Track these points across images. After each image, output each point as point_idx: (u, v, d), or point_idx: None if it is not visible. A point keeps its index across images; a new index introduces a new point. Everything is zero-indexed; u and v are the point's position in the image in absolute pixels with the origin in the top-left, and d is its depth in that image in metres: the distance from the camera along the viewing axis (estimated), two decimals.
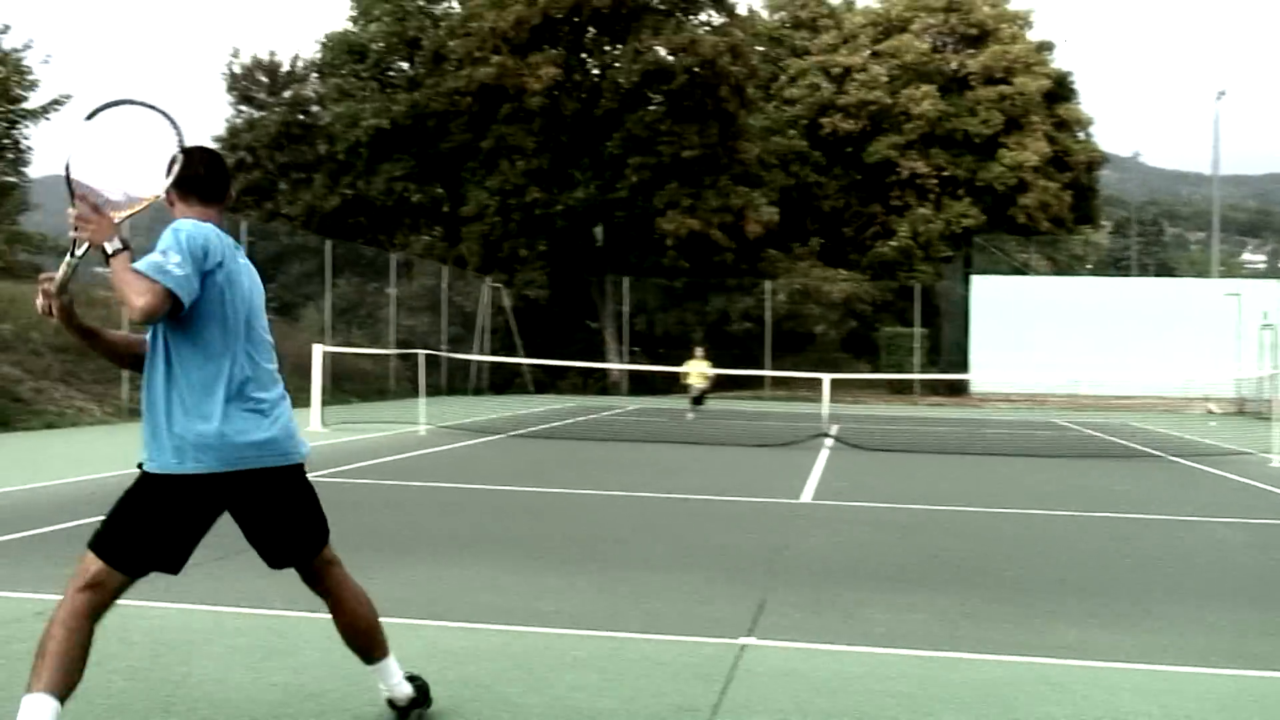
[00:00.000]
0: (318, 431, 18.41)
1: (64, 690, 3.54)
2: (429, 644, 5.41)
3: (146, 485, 3.89)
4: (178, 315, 3.66)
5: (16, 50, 26.93)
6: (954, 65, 49.71)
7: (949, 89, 48.36)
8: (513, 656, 5.24)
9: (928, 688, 4.91)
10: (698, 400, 25.63)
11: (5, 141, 26.88)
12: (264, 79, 43.65)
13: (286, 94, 43.47)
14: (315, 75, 43.87)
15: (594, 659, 5.23)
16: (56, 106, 27.47)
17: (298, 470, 4.24)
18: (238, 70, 43.46)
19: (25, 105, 27.01)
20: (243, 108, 43.54)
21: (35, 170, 30.03)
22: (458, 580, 6.95)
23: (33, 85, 27.02)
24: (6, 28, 26.87)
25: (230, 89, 43.46)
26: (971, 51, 49.42)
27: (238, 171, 41.60)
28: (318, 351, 19.65)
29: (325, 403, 20.25)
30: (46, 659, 3.59)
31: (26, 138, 27.44)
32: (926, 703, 4.69)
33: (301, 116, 43.15)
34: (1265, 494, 12.90)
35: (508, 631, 5.69)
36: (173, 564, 4.05)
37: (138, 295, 3.50)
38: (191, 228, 3.74)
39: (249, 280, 3.96)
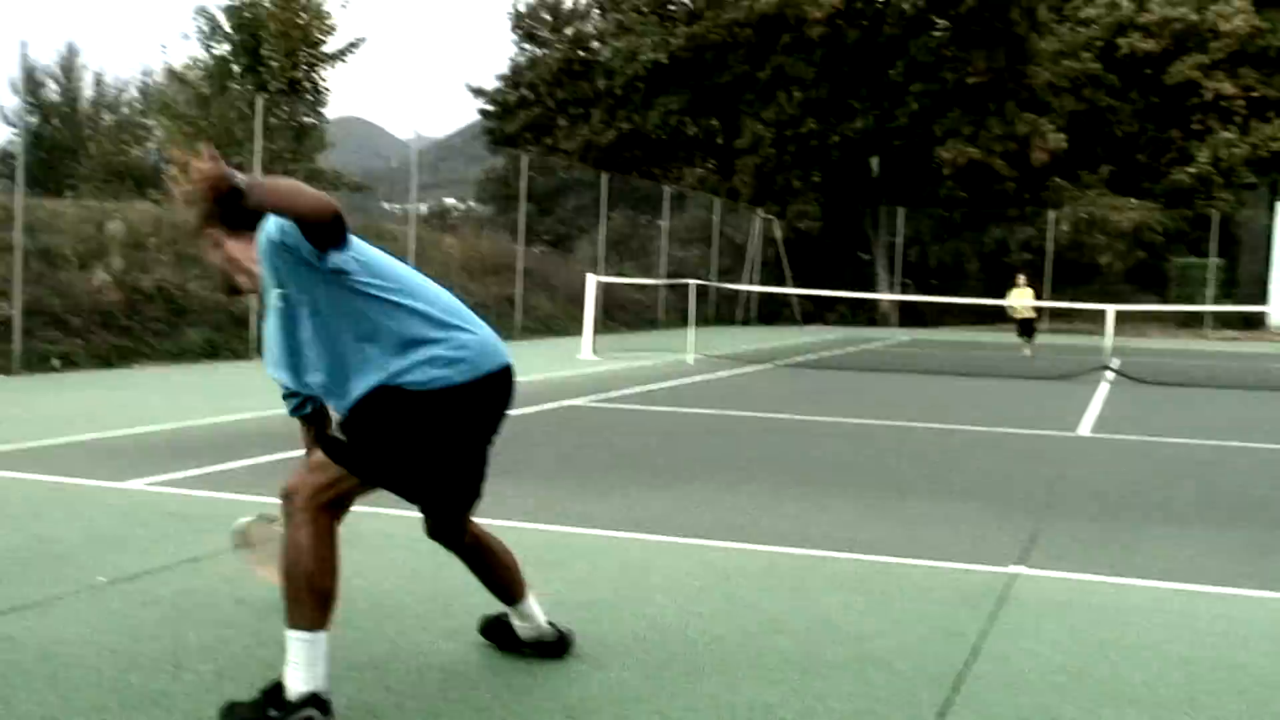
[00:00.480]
0: (589, 359, 18.91)
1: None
2: (698, 562, 5.52)
3: None
4: None
5: None
6: None
7: (1265, 3, 44.75)
8: (780, 575, 5.28)
9: (1211, 623, 4.68)
10: (1027, 332, 24.04)
11: (306, 84, 28.53)
12: (547, 16, 44.69)
13: (568, 31, 44.39)
14: (597, 11, 44.60)
15: (861, 581, 5.21)
16: (352, 50, 28.97)
17: None
18: (522, 9, 44.66)
19: (324, 49, 28.58)
20: (526, 45, 44.77)
21: (330, 111, 31.84)
22: (724, 502, 7.04)
23: (331, 30, 28.54)
24: None
25: (515, 27, 44.75)
26: None
27: (519, 108, 42.90)
28: (591, 281, 20.12)
29: (596, 331, 20.74)
30: (316, 594, 3.44)
31: (324, 80, 29.05)
32: (1208, 638, 4.47)
33: (581, 53, 44.01)
34: None
35: (775, 552, 5.73)
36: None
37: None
38: None
39: None
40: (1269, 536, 6.39)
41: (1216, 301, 36.25)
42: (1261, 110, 43.87)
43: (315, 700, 3.29)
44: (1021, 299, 23.87)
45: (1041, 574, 5.42)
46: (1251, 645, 4.40)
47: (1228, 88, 43.56)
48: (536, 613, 4.08)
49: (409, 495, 3.83)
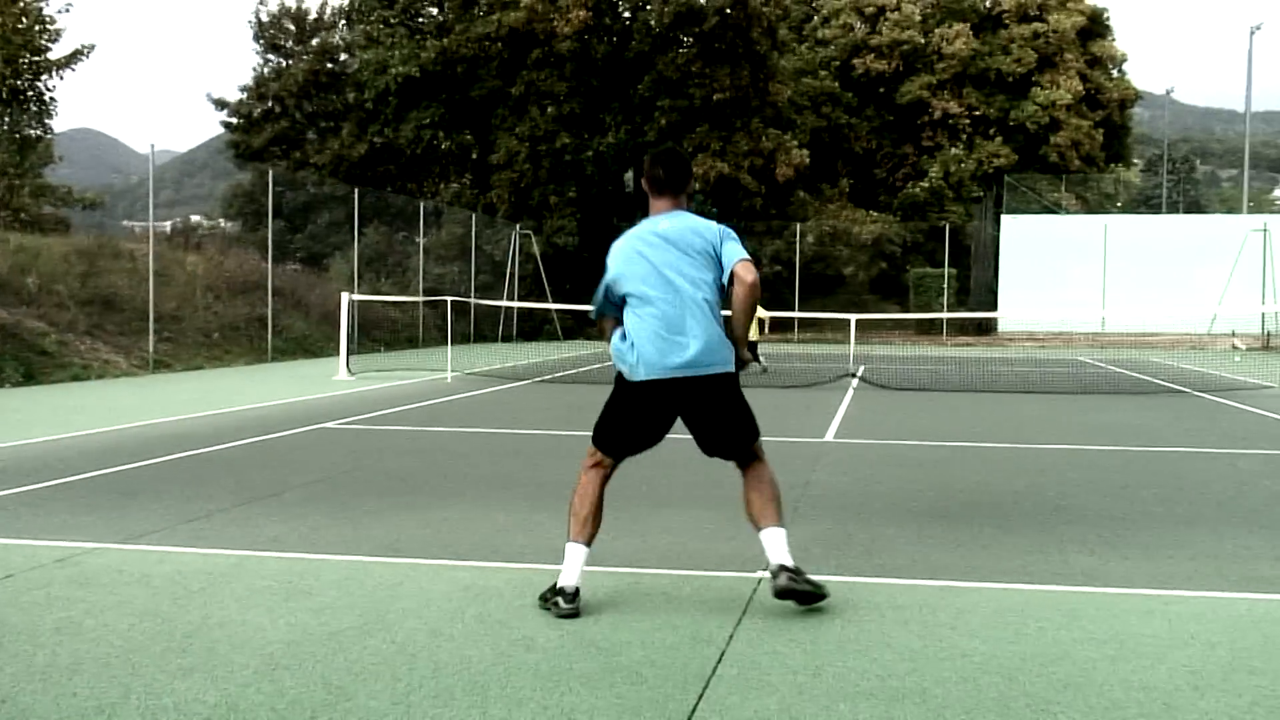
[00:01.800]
0: (344, 379, 18.55)
1: (590, 539, 5.13)
2: (451, 583, 5.50)
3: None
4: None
5: (39, 0, 26.94)
6: (987, 3, 49.06)
7: (982, 27, 47.76)
8: (534, 593, 5.29)
9: (941, 615, 4.96)
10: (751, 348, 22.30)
11: (29, 94, 26.98)
12: (291, 26, 43.59)
13: (314, 41, 43.40)
14: (343, 22, 43.77)
15: (612, 594, 5.30)
16: (81, 57, 27.51)
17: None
18: (265, 18, 43.46)
19: (49, 56, 27.05)
20: (270, 56, 43.55)
21: (60, 123, 30.18)
22: (480, 521, 7.03)
23: (56, 36, 27.05)
24: None
25: (257, 37, 43.46)
26: None
27: (265, 121, 41.73)
28: (345, 300, 19.74)
29: (352, 351, 20.36)
30: (576, 519, 5.18)
31: (51, 90, 27.51)
32: (938, 629, 4.74)
33: (329, 64, 43.11)
34: None
35: (530, 569, 5.76)
36: (640, 449, 5.49)
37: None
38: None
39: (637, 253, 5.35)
40: (993, 530, 6.80)
41: (951, 309, 38.35)
42: (984, 128, 46.76)
43: (564, 591, 4.93)
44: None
45: None
46: (978, 634, 4.68)
47: (954, 106, 46.34)
48: (769, 549, 5.12)
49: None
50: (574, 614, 4.88)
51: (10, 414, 13.18)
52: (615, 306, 5.34)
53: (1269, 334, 34.17)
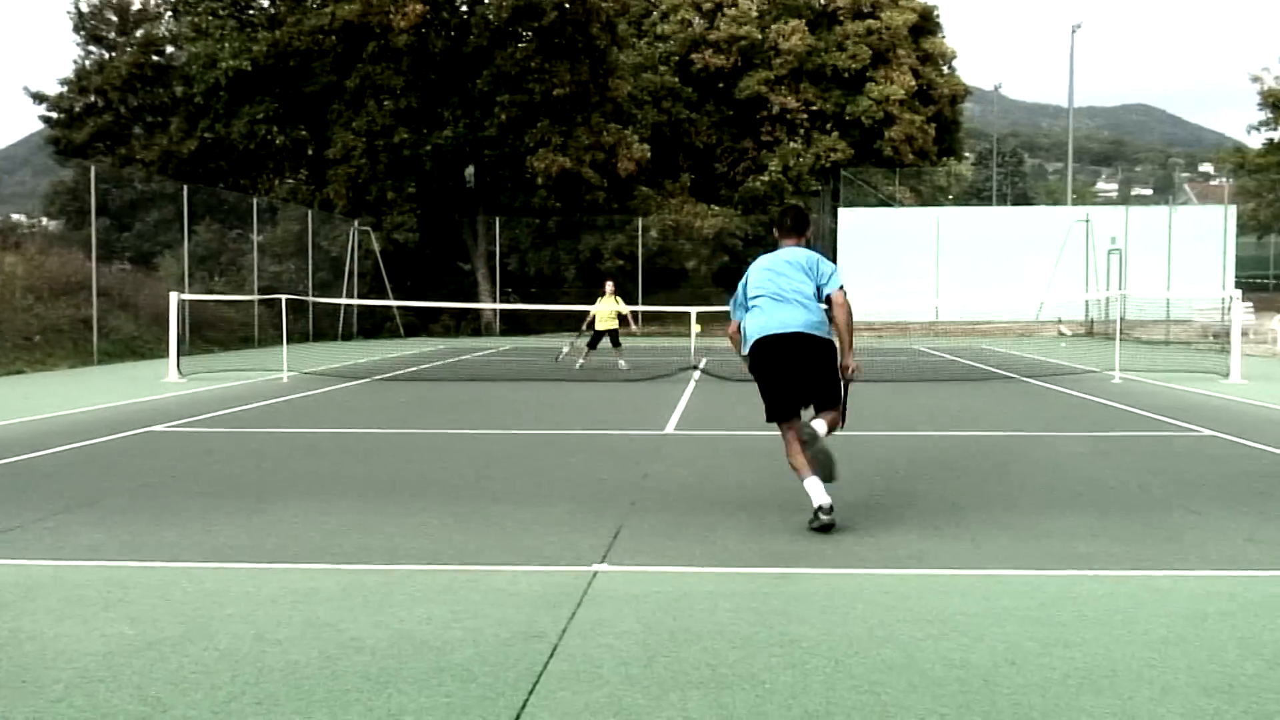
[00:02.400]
0: (174, 381, 17.96)
1: (814, 471, 6.57)
2: (280, 586, 5.36)
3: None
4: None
5: None
6: (822, 0, 49.96)
7: (817, 24, 48.64)
8: (364, 593, 5.20)
9: (773, 602, 5.01)
10: (615, 342, 21.19)
11: None
12: (114, 18, 41.95)
13: (139, 33, 41.84)
14: (169, 14, 42.31)
15: (446, 592, 5.22)
16: None
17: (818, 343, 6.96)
18: (85, 8, 41.70)
19: None
20: (92, 48, 41.84)
21: None
22: (312, 524, 6.85)
23: None
24: None
25: (78, 28, 41.70)
26: None
27: (87, 116, 40.17)
28: (174, 299, 19.10)
29: (185, 352, 19.74)
30: (800, 465, 6.68)
31: None
32: (770, 616, 4.79)
33: (155, 57, 41.59)
34: (1107, 408, 13.44)
35: (361, 570, 5.65)
36: (795, 400, 6.98)
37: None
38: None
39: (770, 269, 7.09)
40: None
41: None
42: (821, 123, 47.67)
43: (822, 508, 6.48)
44: (607, 306, 21.43)
45: (621, 569, 5.63)
46: (808, 619, 4.75)
47: (791, 101, 47.12)
48: (810, 493, 6.60)
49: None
50: (833, 523, 6.47)
51: None
52: (745, 310, 7.14)
53: (1092, 321, 35.62)
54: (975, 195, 64.99)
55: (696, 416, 12.80)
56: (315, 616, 4.83)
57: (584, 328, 21.27)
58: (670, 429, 11.66)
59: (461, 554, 5.98)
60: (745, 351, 7.11)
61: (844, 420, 7.07)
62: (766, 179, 46.51)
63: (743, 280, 7.23)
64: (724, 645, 4.40)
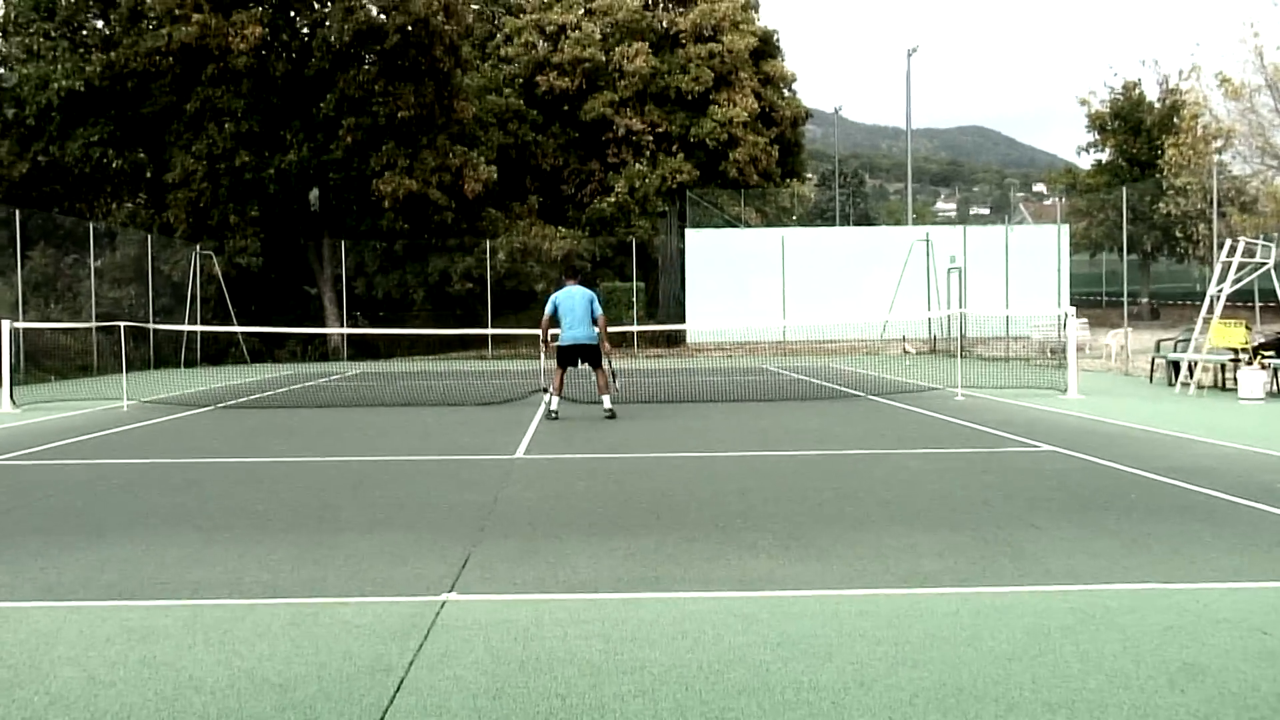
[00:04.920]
0: (7, 412, 17.26)
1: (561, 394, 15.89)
2: (115, 625, 5.21)
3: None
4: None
5: None
6: (665, 23, 50.53)
7: (661, 46, 49.14)
8: (203, 630, 5.08)
9: (623, 628, 5.04)
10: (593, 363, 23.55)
11: None
12: None
13: None
14: None
15: (288, 627, 5.13)
16: None
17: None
18: None
19: None
20: None
21: None
22: (151, 558, 6.65)
23: None
24: None
25: None
26: (681, 10, 50.32)
27: None
28: (6, 327, 18.35)
29: (19, 382, 18.95)
30: (559, 389, 15.81)
31: None
32: (621, 643, 4.82)
33: None
34: (950, 425, 13.83)
35: (200, 605, 5.52)
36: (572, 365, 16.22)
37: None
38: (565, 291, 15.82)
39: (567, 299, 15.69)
40: (676, 540, 6.97)
41: (641, 322, 39.26)
42: (667, 144, 48.17)
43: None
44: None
45: (469, 598, 5.60)
46: (659, 644, 4.80)
47: (636, 124, 47.49)
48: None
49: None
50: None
51: None
52: (555, 320, 15.54)
53: (935, 338, 36.66)
54: (819, 216, 66.44)
55: (547, 441, 12.80)
56: (152, 656, 4.70)
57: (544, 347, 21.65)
58: (520, 453, 11.63)
59: (306, 586, 5.89)
60: (554, 342, 15.69)
61: (614, 381, 15.69)
62: (613, 200, 46.77)
63: (553, 300, 15.66)
64: (574, 673, 4.41)
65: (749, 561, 6.35)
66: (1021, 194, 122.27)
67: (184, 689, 4.28)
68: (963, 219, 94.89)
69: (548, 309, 15.69)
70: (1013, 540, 6.87)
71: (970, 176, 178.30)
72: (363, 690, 4.23)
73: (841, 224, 60.57)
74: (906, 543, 6.82)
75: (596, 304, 15.70)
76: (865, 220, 73.32)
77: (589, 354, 15.75)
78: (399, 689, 4.24)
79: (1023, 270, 36.99)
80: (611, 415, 15.19)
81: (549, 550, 6.70)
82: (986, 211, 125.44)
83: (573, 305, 15.47)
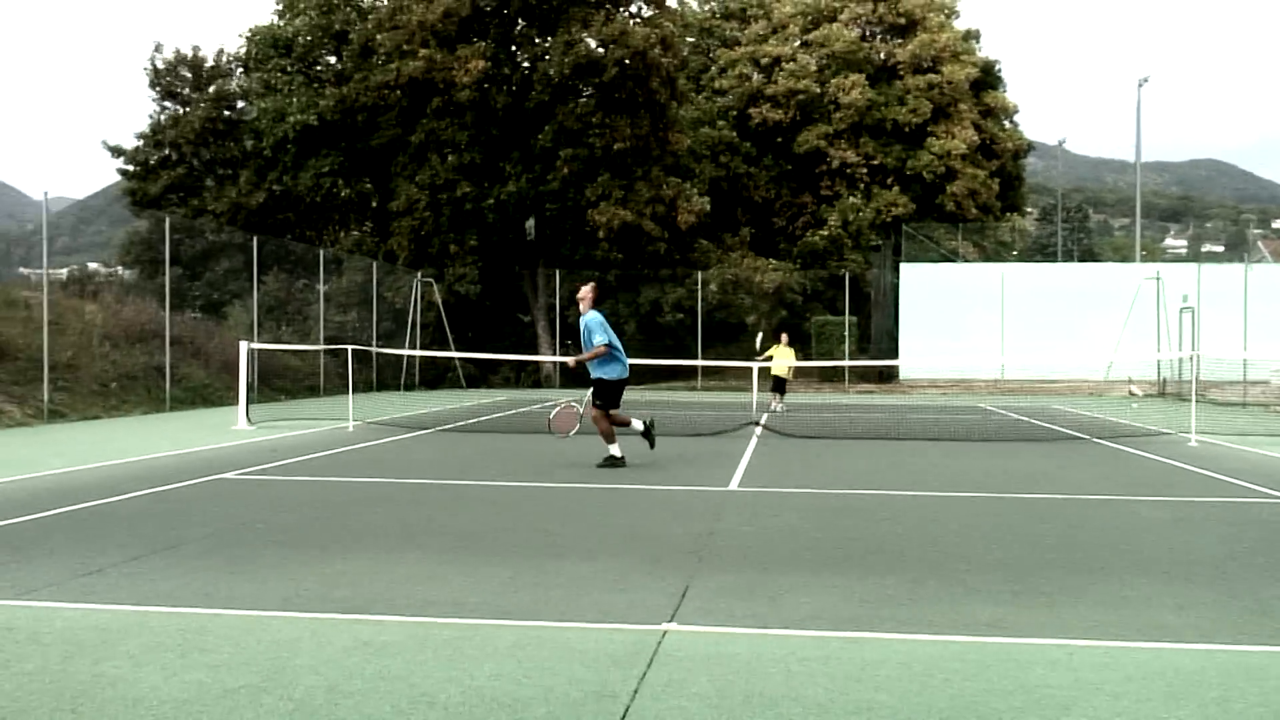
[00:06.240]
0: (243, 429, 18.19)
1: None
2: (351, 638, 5.38)
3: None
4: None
5: None
6: (882, 54, 50.11)
7: (877, 78, 48.74)
8: (434, 647, 5.21)
9: (847, 668, 4.95)
10: (779, 389, 24.45)
11: None
12: (188, 74, 42.98)
13: (210, 89, 42.81)
14: (240, 70, 43.28)
15: (514, 648, 5.21)
16: None
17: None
18: (161, 65, 42.76)
19: None
20: (166, 103, 42.87)
21: None
22: (380, 574, 6.88)
23: None
24: None
25: (153, 84, 42.75)
26: (899, 41, 49.83)
27: (162, 168, 41.06)
28: (244, 348, 19.38)
29: (253, 400, 19.98)
30: (605, 436, 13.32)
31: None
32: (845, 683, 4.73)
33: (226, 112, 42.54)
34: (1184, 472, 13.16)
35: (430, 623, 5.66)
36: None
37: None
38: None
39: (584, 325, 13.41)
40: (899, 580, 6.83)
41: (853, 356, 38.82)
42: (882, 177, 47.62)
43: (620, 459, 13.19)
44: (781, 358, 24.29)
45: (690, 629, 5.59)
46: (884, 686, 4.69)
47: (851, 156, 47.14)
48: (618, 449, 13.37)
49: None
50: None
51: None
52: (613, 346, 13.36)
53: (1164, 380, 35.10)
54: (1039, 251, 64.51)
55: (760, 473, 12.75)
56: (387, 669, 4.85)
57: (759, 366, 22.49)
58: (734, 485, 11.61)
59: (529, 609, 5.98)
60: (613, 376, 13.37)
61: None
62: (826, 233, 46.51)
63: (606, 324, 13.29)
64: (799, 711, 4.35)
65: (975, 606, 6.15)
66: (1259, 231, 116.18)
67: (418, 703, 4.39)
68: (1194, 256, 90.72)
69: (610, 332, 13.36)
70: (1259, 597, 6.47)
71: (1203, 212, 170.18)
72: (590, 715, 4.26)
73: (1064, 260, 58.63)
74: (1142, 593, 6.50)
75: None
76: (1089, 256, 70.78)
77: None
78: (625, 716, 4.26)
79: (1263, 311, 35.07)
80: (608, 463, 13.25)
81: (767, 585, 6.65)
82: (1221, 249, 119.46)
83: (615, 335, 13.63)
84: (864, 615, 5.92)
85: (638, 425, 13.79)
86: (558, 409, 15.53)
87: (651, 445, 14.13)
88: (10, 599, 6.08)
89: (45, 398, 20.13)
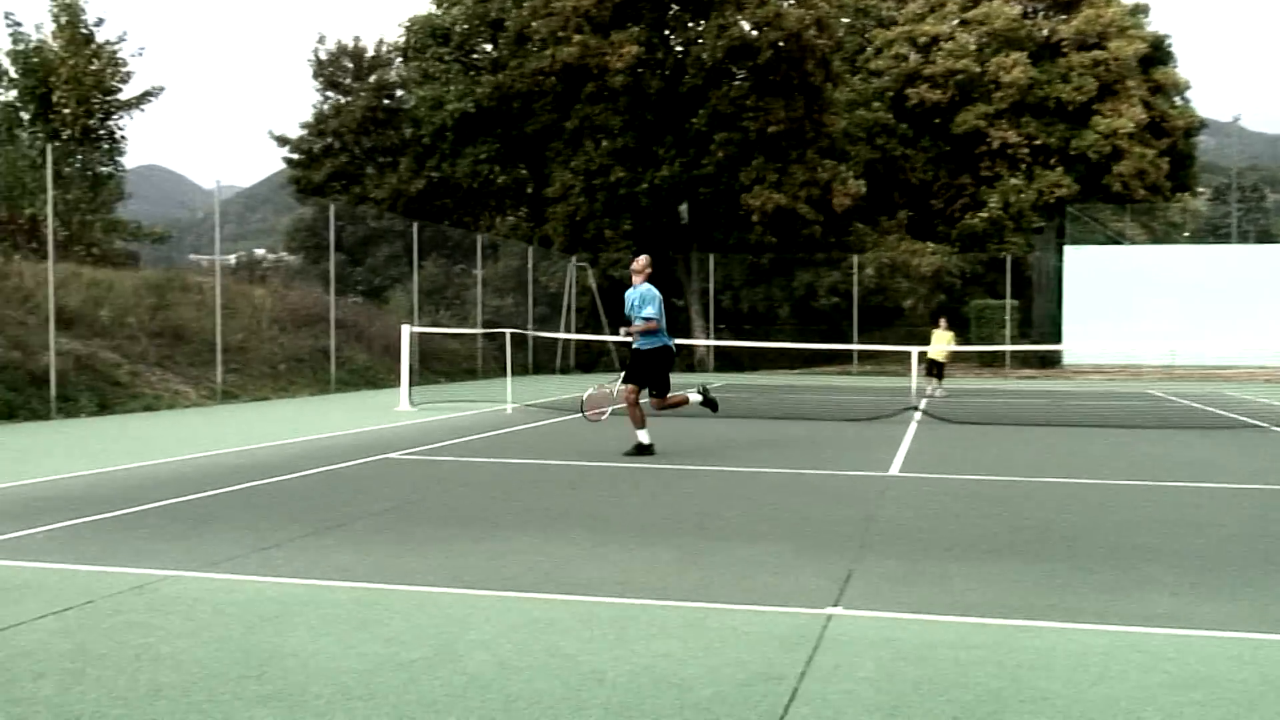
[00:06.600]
0: (406, 410, 18.65)
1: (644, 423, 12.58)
2: (519, 615, 5.46)
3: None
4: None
5: (111, 43, 27.60)
6: (1045, 31, 48.69)
7: (1040, 56, 47.37)
8: (600, 625, 5.26)
9: (1018, 655, 4.83)
10: (937, 373, 24.45)
11: (101, 132, 27.59)
12: (349, 64, 44.20)
13: (371, 79, 43.97)
14: (399, 59, 44.31)
15: (679, 628, 5.23)
16: (150, 98, 28.18)
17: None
18: (324, 57, 44.07)
19: (119, 97, 27.69)
20: (329, 94, 44.19)
21: (130, 160, 30.86)
22: (545, 554, 6.98)
23: (127, 78, 27.70)
24: (101, 20, 27.52)
25: (317, 75, 44.11)
26: (1063, 17, 48.33)
27: (325, 157, 42.30)
28: (406, 332, 19.86)
29: (414, 383, 20.46)
30: (633, 421, 12.53)
31: (122, 129, 28.14)
32: (1016, 671, 4.62)
33: (386, 101, 43.64)
34: None
35: (595, 602, 5.71)
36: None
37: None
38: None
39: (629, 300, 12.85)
40: (1069, 569, 6.65)
41: (1014, 341, 37.92)
42: (1045, 157, 46.30)
43: (649, 446, 12.37)
44: (939, 342, 24.15)
45: (856, 614, 5.53)
46: (1060, 676, 4.57)
47: (1012, 136, 45.90)
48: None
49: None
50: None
51: (87, 443, 13.35)
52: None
53: None
54: (1212, 232, 61.99)
55: (921, 459, 12.54)
56: (555, 646, 4.91)
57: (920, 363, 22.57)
58: (895, 470, 11.46)
59: (693, 590, 5.99)
60: (654, 350, 12.65)
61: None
62: (985, 215, 45.44)
63: (659, 299, 12.71)
64: (971, 699, 4.26)
65: (1150, 596, 5.95)
66: None
67: (587, 680, 4.44)
68: None
69: (659, 311, 12.75)
70: None
71: None
72: (758, 696, 4.25)
73: (1238, 242, 56.27)
74: None
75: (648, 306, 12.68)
76: (1266, 238, 67.75)
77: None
78: (792, 698, 4.23)
79: None
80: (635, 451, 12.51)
81: (932, 571, 6.54)
82: None
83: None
84: (1034, 603, 5.77)
85: (695, 397, 13.52)
86: (590, 392, 14.86)
87: (714, 409, 14.04)
88: (196, 570, 6.34)
89: (219, 379, 20.94)
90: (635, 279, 12.79)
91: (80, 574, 6.28)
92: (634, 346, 12.71)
